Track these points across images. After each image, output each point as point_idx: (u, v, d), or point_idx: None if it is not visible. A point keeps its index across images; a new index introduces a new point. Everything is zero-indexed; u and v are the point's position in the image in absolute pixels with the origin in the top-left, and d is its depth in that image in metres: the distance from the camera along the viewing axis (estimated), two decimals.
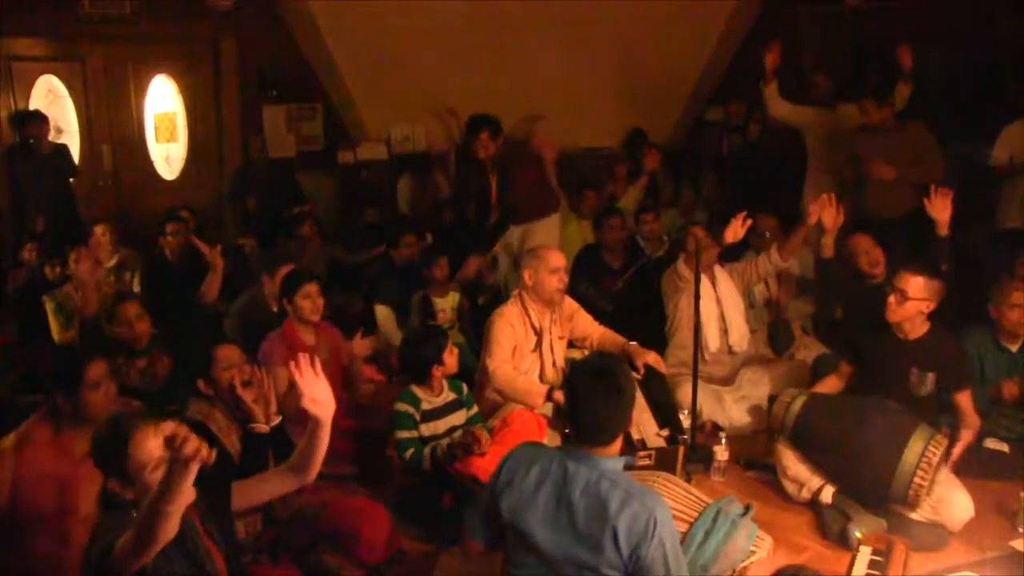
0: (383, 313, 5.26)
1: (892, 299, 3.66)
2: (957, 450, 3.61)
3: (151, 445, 2.08)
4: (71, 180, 6.48)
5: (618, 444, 2.31)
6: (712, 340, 4.49)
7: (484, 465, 3.27)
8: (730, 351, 4.60)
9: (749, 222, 4.41)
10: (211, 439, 2.87)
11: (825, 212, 4.44)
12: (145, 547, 1.91)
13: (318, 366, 2.26)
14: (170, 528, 1.91)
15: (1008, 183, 5.54)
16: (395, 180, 7.40)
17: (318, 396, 2.25)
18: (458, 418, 3.68)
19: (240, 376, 3.05)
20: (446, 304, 5.21)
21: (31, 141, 6.09)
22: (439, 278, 5.19)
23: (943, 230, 4.29)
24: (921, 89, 5.56)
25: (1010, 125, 5.53)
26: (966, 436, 3.65)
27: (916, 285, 3.62)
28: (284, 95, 7.25)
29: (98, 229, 5.75)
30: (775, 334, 4.99)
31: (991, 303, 3.91)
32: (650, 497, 2.22)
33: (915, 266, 3.71)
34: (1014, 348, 3.93)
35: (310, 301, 4.04)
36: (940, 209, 4.27)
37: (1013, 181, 5.50)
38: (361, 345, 4.40)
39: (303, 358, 2.24)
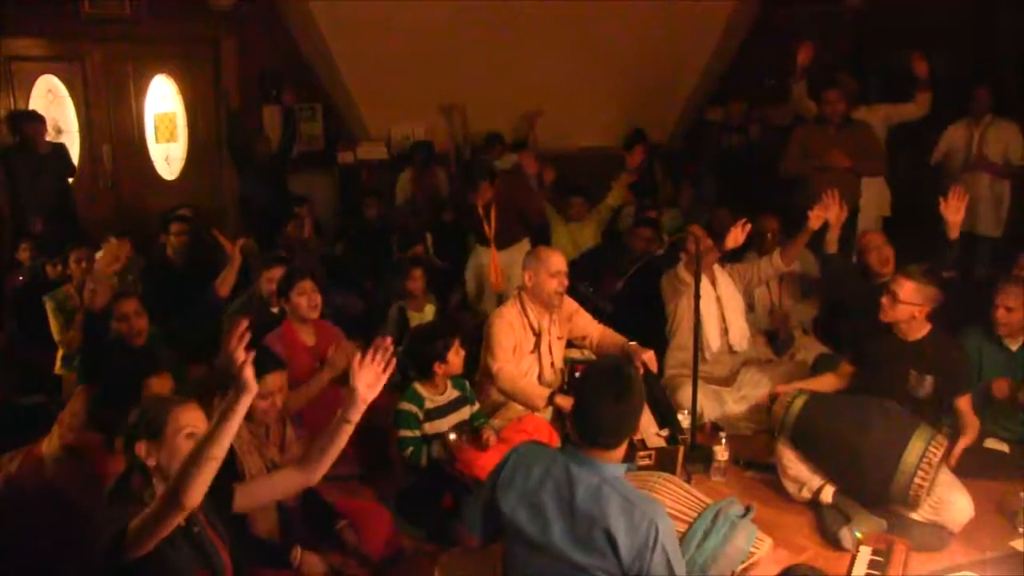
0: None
1: (884, 300, 3.66)
2: (956, 452, 3.61)
3: (192, 416, 2.25)
4: (69, 180, 6.47)
5: (622, 449, 2.30)
6: (713, 340, 4.50)
7: (486, 465, 3.27)
8: (730, 350, 4.60)
9: (749, 227, 4.40)
10: (230, 456, 2.83)
11: (830, 208, 4.45)
12: (177, 496, 1.94)
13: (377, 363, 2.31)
14: (206, 478, 1.96)
15: (948, 183, 5.58)
16: (395, 179, 7.39)
17: (371, 382, 2.32)
18: (461, 415, 3.69)
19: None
20: (423, 318, 5.05)
21: (28, 141, 6.07)
22: (414, 291, 5.05)
23: (954, 233, 4.28)
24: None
25: (952, 125, 5.72)
26: (964, 440, 3.64)
27: (907, 289, 3.62)
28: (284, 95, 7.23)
29: (114, 243, 5.75)
30: (776, 338, 4.99)
31: (993, 306, 3.91)
32: (650, 505, 2.22)
33: (910, 269, 3.70)
34: (1014, 347, 3.94)
35: (306, 298, 4.03)
36: (954, 211, 4.23)
37: (950, 182, 5.49)
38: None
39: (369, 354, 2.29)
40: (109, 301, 4.09)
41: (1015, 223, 5.63)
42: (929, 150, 5.93)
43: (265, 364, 3.00)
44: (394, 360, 2.35)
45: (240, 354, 1.99)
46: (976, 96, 5.65)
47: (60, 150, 6.34)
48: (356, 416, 2.36)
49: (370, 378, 2.32)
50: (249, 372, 1.98)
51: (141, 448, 2.20)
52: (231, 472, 2.79)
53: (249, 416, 2.89)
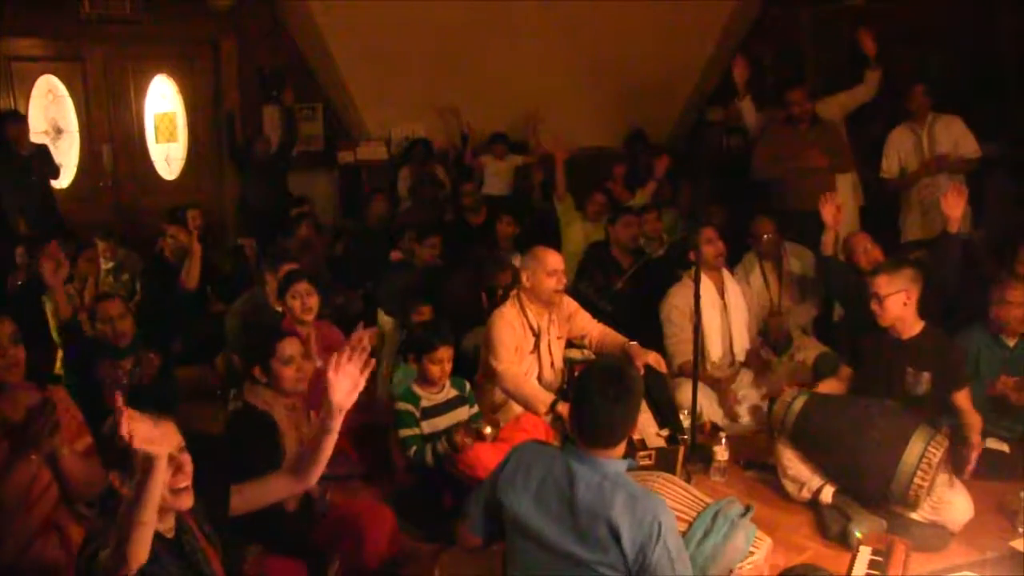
0: (386, 323, 5.07)
1: (873, 305, 3.65)
2: (972, 457, 3.60)
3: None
4: (52, 181, 6.42)
5: (622, 447, 2.32)
6: (714, 350, 4.51)
7: (488, 465, 3.26)
8: (732, 361, 4.60)
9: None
10: (272, 429, 2.96)
11: (825, 209, 4.45)
12: (122, 562, 1.87)
13: (354, 364, 2.25)
14: (145, 540, 1.89)
15: (904, 193, 5.53)
16: (395, 179, 7.39)
17: (345, 390, 2.25)
18: (460, 415, 3.69)
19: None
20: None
21: (11, 142, 6.02)
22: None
23: (953, 228, 4.28)
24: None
25: (894, 131, 5.53)
26: (975, 440, 3.63)
27: (883, 282, 3.61)
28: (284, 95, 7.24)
29: (101, 245, 5.76)
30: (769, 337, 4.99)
31: (992, 303, 3.91)
32: (652, 500, 2.23)
33: (877, 265, 3.76)
34: (1011, 344, 3.94)
35: (299, 301, 4.05)
36: (953, 206, 4.24)
37: (908, 191, 5.49)
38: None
39: (344, 355, 2.24)
40: (73, 307, 4.06)
41: (1011, 217, 5.61)
42: None
43: (273, 336, 3.17)
44: (372, 362, 2.28)
45: (126, 430, 1.87)
46: (913, 94, 5.40)
47: (43, 151, 6.29)
48: (336, 424, 2.31)
49: (346, 386, 2.25)
50: (140, 443, 1.87)
51: (115, 479, 2.10)
52: (275, 450, 2.90)
53: (281, 388, 3.07)
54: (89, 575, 1.96)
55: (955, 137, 5.36)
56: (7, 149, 6.02)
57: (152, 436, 1.90)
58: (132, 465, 2.05)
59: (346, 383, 2.25)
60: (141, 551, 1.89)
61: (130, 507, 1.88)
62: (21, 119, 6.15)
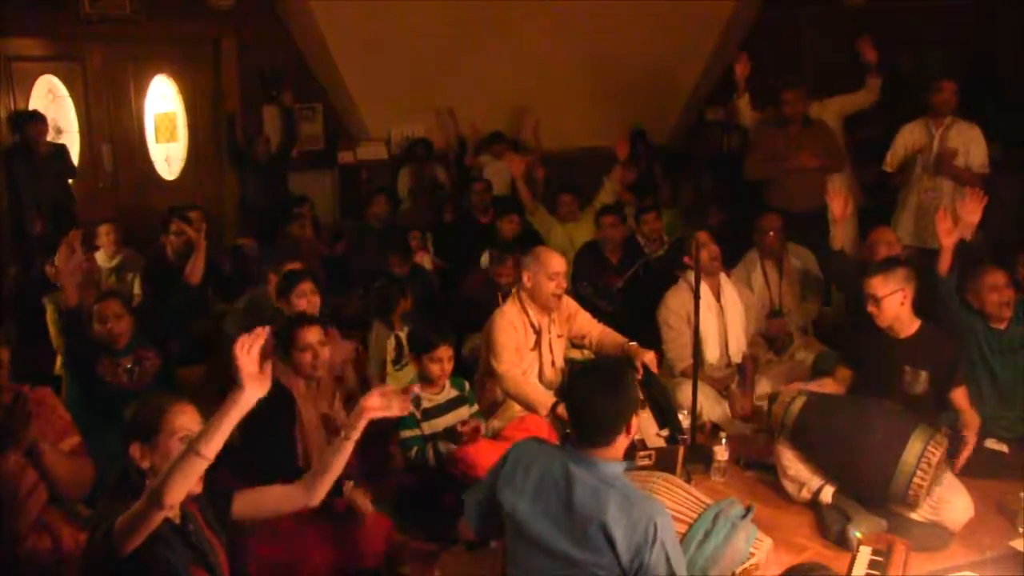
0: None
1: (871, 308, 3.65)
2: (964, 454, 3.60)
3: (187, 418, 2.23)
4: (70, 181, 6.45)
5: (620, 448, 2.31)
6: (711, 353, 4.50)
7: (487, 465, 3.25)
8: (728, 363, 4.61)
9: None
10: (288, 401, 3.20)
11: (834, 202, 4.44)
12: (157, 499, 1.93)
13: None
14: (190, 476, 1.96)
15: (902, 194, 5.47)
16: (395, 179, 7.39)
17: (379, 409, 2.41)
18: (460, 415, 3.69)
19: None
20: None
21: (29, 141, 6.05)
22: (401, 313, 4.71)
23: (967, 234, 4.24)
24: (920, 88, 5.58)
25: (907, 126, 5.40)
26: (970, 438, 3.64)
27: (877, 284, 3.62)
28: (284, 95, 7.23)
29: (103, 229, 5.76)
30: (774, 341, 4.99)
31: (969, 293, 3.96)
32: (649, 503, 2.23)
33: (872, 268, 3.78)
34: (1003, 327, 3.98)
35: (305, 300, 4.06)
36: (972, 211, 4.17)
37: (907, 193, 5.42)
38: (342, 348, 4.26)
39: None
40: (82, 298, 3.99)
41: (1010, 220, 5.59)
42: None
43: (296, 322, 3.42)
44: (409, 406, 2.49)
45: (243, 357, 1.98)
46: (941, 89, 5.15)
47: (61, 150, 6.33)
48: (356, 435, 2.42)
49: (379, 405, 2.42)
50: (249, 371, 1.98)
51: (136, 450, 2.19)
52: (289, 417, 3.13)
53: (299, 372, 3.32)
54: (103, 547, 1.99)
55: (968, 145, 5.19)
56: (26, 148, 6.04)
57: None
58: (156, 438, 2.18)
59: (379, 403, 2.42)
60: (181, 486, 1.96)
61: (196, 437, 1.98)
62: (40, 118, 6.17)
